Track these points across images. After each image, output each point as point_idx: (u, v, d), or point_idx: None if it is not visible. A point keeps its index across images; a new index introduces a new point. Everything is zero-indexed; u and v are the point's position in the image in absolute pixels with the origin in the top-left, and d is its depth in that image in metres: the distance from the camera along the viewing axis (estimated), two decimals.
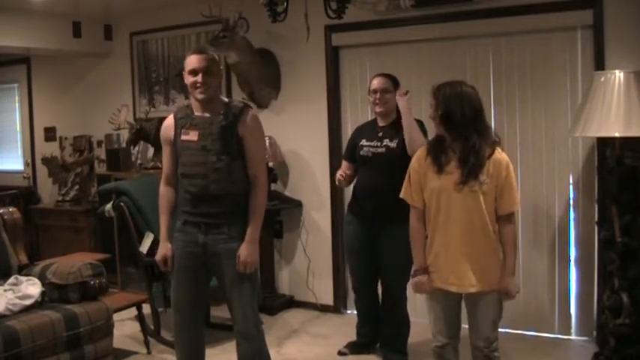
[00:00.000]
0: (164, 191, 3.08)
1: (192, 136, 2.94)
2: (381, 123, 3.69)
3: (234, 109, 2.98)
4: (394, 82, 3.66)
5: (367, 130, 3.74)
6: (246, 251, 2.92)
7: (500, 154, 2.68)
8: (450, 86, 2.70)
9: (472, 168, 2.61)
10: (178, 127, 2.99)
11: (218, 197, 2.94)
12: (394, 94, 3.61)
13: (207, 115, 2.97)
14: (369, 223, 3.63)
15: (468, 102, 2.64)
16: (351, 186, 3.84)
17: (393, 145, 3.55)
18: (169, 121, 3.06)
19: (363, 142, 3.66)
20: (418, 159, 2.80)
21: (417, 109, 4.45)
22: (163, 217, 3.08)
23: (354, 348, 3.95)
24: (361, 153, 3.65)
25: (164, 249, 3.04)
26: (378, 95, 3.60)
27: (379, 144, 3.59)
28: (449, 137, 2.68)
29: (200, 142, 2.93)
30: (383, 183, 3.50)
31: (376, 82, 3.64)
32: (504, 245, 2.71)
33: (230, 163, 2.93)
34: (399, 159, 3.45)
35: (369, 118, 4.41)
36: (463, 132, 2.63)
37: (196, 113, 2.98)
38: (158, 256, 3.07)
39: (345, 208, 4.10)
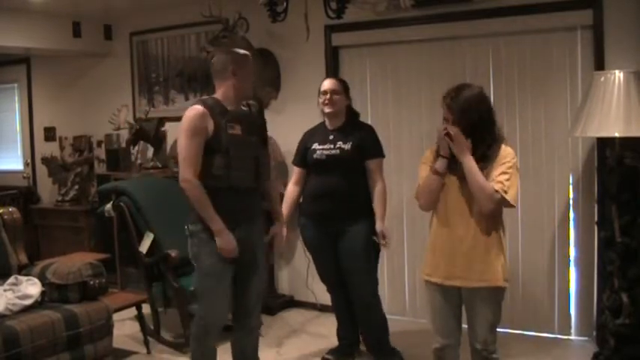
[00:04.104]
0: (200, 186, 2.88)
1: (237, 130, 2.98)
2: (330, 126, 3.66)
3: (253, 105, 3.11)
4: (344, 86, 3.68)
5: (318, 134, 3.71)
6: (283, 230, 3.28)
7: (504, 150, 2.68)
8: (462, 90, 2.69)
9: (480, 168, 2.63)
10: (220, 120, 2.93)
11: (258, 191, 3.12)
12: (343, 96, 3.64)
13: (242, 108, 3.06)
14: (327, 224, 3.61)
15: (483, 104, 2.67)
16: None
17: (347, 147, 3.55)
18: (203, 111, 2.92)
19: (315, 145, 3.64)
20: (432, 152, 2.81)
21: (416, 109, 4.48)
22: (211, 209, 2.89)
23: (337, 354, 3.90)
24: (314, 156, 3.62)
25: (230, 238, 2.91)
26: (328, 96, 3.60)
27: (332, 146, 3.58)
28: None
29: (246, 137, 2.99)
30: (338, 184, 3.54)
31: (326, 84, 3.66)
32: None
33: (267, 157, 3.13)
34: (353, 160, 3.55)
35: (368, 119, 4.43)
36: (476, 133, 2.64)
37: (228, 108, 3.00)
38: (230, 246, 2.90)
39: None
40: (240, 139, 2.96)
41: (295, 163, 3.80)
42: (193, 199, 2.90)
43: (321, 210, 3.63)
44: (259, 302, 3.19)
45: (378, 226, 3.51)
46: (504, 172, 2.61)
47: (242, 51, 3.09)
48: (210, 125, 2.91)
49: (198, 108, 2.93)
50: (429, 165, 2.77)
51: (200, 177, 2.90)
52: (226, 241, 2.91)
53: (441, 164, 2.71)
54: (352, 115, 3.72)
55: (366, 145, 3.58)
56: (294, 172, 3.81)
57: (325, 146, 3.60)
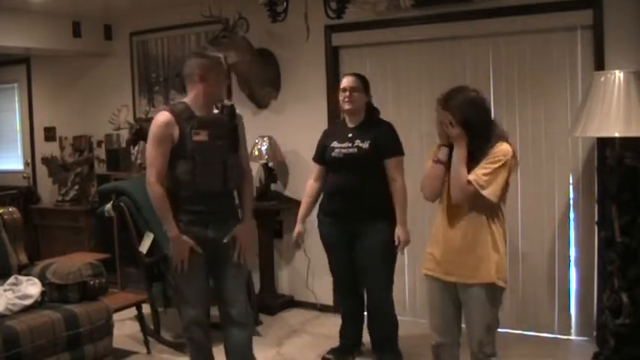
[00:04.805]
0: (160, 191, 2.96)
1: (203, 136, 2.98)
2: (350, 124, 3.66)
3: (226, 108, 3.11)
4: (364, 83, 3.67)
5: (337, 131, 3.72)
6: (249, 231, 3.22)
7: (498, 147, 2.66)
8: (460, 93, 2.69)
9: (476, 164, 2.64)
10: (185, 127, 2.96)
11: (229, 193, 3.11)
12: (363, 94, 3.63)
13: (211, 114, 3.05)
14: (344, 222, 3.62)
15: (481, 106, 2.68)
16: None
17: (364, 145, 3.55)
18: (169, 119, 2.96)
19: (334, 143, 3.64)
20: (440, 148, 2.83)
21: (416, 109, 4.48)
22: (169, 215, 2.98)
23: (338, 353, 3.91)
24: (333, 154, 3.62)
25: (183, 246, 2.98)
26: (347, 93, 3.60)
27: (350, 144, 3.58)
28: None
29: (213, 142, 2.99)
30: (355, 183, 3.54)
31: (345, 81, 3.65)
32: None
33: (238, 159, 3.10)
34: (371, 159, 3.53)
35: None
36: (480, 134, 2.64)
37: (197, 113, 3.01)
38: (180, 255, 2.98)
39: None
40: (205, 146, 2.98)
41: (315, 159, 3.82)
42: (154, 203, 3.00)
43: (337, 208, 3.63)
44: (242, 293, 3.17)
45: (397, 231, 3.51)
46: (484, 167, 2.61)
47: (213, 55, 3.11)
48: (176, 132, 2.95)
49: (165, 114, 2.98)
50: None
51: (168, 181, 3.00)
52: (178, 248, 2.99)
53: (442, 153, 2.73)
54: (372, 112, 3.71)
55: (384, 143, 3.57)
56: (313, 169, 3.82)
57: (344, 145, 3.60)
